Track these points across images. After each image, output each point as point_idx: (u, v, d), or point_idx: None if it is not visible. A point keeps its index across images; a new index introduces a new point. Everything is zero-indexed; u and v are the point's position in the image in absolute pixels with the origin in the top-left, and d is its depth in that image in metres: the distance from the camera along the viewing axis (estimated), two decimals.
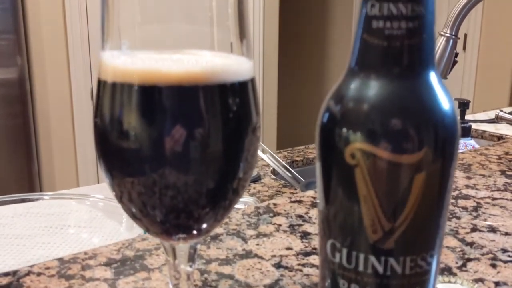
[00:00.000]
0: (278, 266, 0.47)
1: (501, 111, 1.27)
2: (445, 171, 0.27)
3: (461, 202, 0.63)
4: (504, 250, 0.50)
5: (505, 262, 0.48)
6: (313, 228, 0.55)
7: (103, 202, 0.71)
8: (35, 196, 0.73)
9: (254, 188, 0.82)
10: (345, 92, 0.27)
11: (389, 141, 0.25)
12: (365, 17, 0.25)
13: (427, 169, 0.26)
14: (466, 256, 0.49)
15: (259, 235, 0.53)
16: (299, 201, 0.62)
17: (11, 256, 0.62)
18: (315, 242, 0.52)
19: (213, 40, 0.30)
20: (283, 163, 0.89)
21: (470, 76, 2.79)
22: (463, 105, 1.08)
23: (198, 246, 0.33)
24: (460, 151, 0.92)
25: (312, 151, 1.03)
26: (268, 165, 0.91)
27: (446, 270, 0.46)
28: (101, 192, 0.77)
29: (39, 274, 0.44)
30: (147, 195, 0.29)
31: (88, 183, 2.22)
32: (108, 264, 0.46)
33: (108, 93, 0.28)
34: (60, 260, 0.47)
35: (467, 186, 0.69)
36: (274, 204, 0.61)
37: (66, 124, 2.24)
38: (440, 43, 0.96)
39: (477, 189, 0.68)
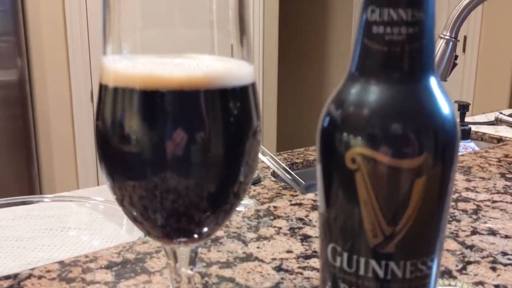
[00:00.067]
0: (278, 269, 0.47)
1: (501, 113, 1.27)
2: (445, 175, 0.27)
3: (461, 205, 0.63)
4: (504, 253, 0.51)
5: (505, 265, 0.48)
6: (313, 231, 0.55)
7: (104, 204, 0.71)
8: (35, 199, 0.73)
9: (254, 190, 0.82)
10: (345, 97, 0.27)
11: (389, 146, 0.25)
12: (365, 23, 0.26)
13: (427, 174, 0.26)
14: (466, 259, 0.49)
15: (259, 238, 0.53)
16: (300, 204, 0.62)
17: (11, 258, 0.62)
18: (316, 245, 0.52)
19: (214, 44, 0.30)
20: (283, 165, 0.89)
21: (469, 78, 2.79)
22: (463, 108, 1.08)
23: (199, 250, 0.33)
24: (459, 153, 0.93)
25: (312, 153, 1.04)
26: (268, 167, 0.91)
27: (446, 273, 0.46)
28: (101, 194, 0.77)
29: (40, 277, 0.44)
30: (148, 199, 0.29)
31: (88, 185, 2.22)
32: (109, 267, 0.46)
33: (110, 97, 0.28)
34: (61, 263, 0.47)
35: (467, 189, 0.70)
36: (275, 207, 0.61)
37: (66, 126, 2.24)
38: (439, 45, 0.96)
39: (477, 191, 0.69)
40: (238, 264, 0.47)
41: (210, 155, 0.28)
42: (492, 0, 0.97)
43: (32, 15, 2.11)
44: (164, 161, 0.27)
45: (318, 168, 0.29)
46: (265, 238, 0.53)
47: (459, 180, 0.73)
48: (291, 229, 0.55)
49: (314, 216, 0.59)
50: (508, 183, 0.72)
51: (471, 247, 0.52)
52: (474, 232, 0.55)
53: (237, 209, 0.33)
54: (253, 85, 0.30)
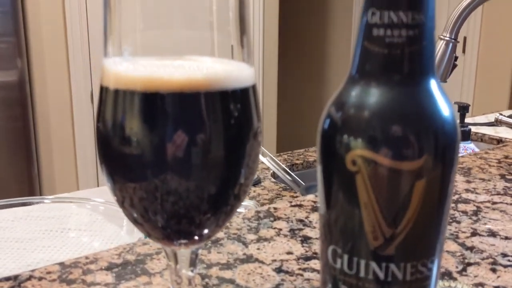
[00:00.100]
0: (279, 270, 0.47)
1: (501, 114, 1.27)
2: (446, 177, 0.27)
3: (461, 206, 0.63)
4: (504, 255, 0.51)
5: (505, 266, 0.48)
6: (313, 233, 0.55)
7: (104, 206, 0.71)
8: (35, 200, 0.73)
9: (254, 191, 0.82)
10: (346, 99, 0.27)
11: (390, 148, 0.25)
12: (366, 25, 0.26)
13: (427, 176, 0.26)
14: (466, 261, 0.49)
15: (259, 240, 0.53)
16: (300, 205, 0.62)
17: (12, 259, 0.62)
18: (316, 246, 0.52)
19: (214, 45, 0.30)
20: (283, 166, 0.89)
21: (469, 79, 2.79)
22: (463, 109, 1.08)
23: (200, 251, 0.33)
24: (459, 154, 0.93)
25: (312, 154, 1.04)
26: (268, 168, 0.91)
27: (446, 275, 0.46)
28: (101, 195, 0.77)
29: (40, 279, 0.44)
30: (149, 201, 0.29)
31: (88, 186, 2.22)
32: (109, 268, 0.46)
33: (111, 99, 0.28)
34: (61, 264, 0.47)
35: (467, 190, 0.70)
36: (275, 208, 0.61)
37: (66, 127, 2.24)
38: (439, 46, 0.97)
39: (477, 193, 0.69)
40: (239, 266, 0.47)
41: (210, 157, 0.28)
42: (491, 1, 0.97)
43: (32, 16, 2.11)
44: (165, 163, 0.28)
45: (319, 169, 0.29)
46: (265, 239, 0.53)
47: (459, 181, 0.73)
48: (291, 230, 0.55)
49: (314, 217, 0.59)
50: (508, 185, 0.72)
51: (471, 249, 0.52)
52: (474, 233, 0.55)
53: (237, 210, 0.33)
54: (253, 87, 0.31)
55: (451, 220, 0.59)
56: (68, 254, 0.63)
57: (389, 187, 0.26)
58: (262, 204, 0.77)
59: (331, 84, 3.45)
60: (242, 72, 0.30)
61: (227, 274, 0.46)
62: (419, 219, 0.26)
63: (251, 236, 0.54)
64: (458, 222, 0.58)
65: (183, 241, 0.31)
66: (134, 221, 0.31)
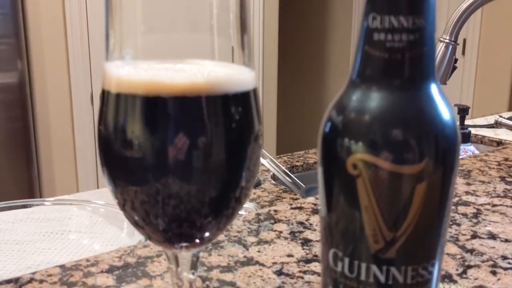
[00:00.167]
0: (279, 273, 0.47)
1: (500, 116, 1.27)
2: (446, 180, 0.27)
3: (461, 209, 0.64)
4: (504, 257, 0.51)
5: (505, 269, 0.48)
6: (314, 235, 0.55)
7: (104, 208, 0.71)
8: (36, 202, 0.74)
9: (254, 193, 0.83)
10: (346, 103, 0.27)
11: (390, 152, 0.25)
12: (367, 30, 0.26)
13: (428, 179, 0.26)
14: (466, 263, 0.49)
15: (260, 242, 0.53)
16: (300, 208, 0.63)
17: (12, 262, 0.62)
18: (316, 249, 0.52)
19: (215, 49, 0.31)
20: (283, 168, 0.89)
21: (469, 81, 2.79)
22: (463, 111, 1.09)
23: (201, 254, 0.33)
24: (459, 157, 0.93)
25: (312, 156, 1.04)
26: (268, 170, 0.91)
27: (447, 277, 0.47)
28: (101, 197, 0.77)
29: (41, 281, 0.45)
30: (150, 204, 0.29)
31: (88, 187, 2.22)
32: (110, 271, 0.46)
33: (113, 103, 0.28)
34: (62, 267, 0.47)
35: (467, 193, 0.70)
36: (275, 211, 0.61)
37: (66, 128, 2.25)
38: (439, 49, 0.97)
39: (477, 195, 0.69)
40: (239, 268, 0.47)
41: (212, 160, 0.28)
42: (491, 3, 0.98)
43: (32, 17, 2.11)
44: (166, 167, 0.28)
45: (320, 173, 0.29)
46: (266, 242, 0.53)
47: (459, 184, 0.73)
48: (292, 233, 0.55)
49: (315, 220, 0.59)
50: (508, 187, 0.72)
51: (471, 251, 0.52)
52: (474, 236, 0.56)
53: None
54: (254, 90, 0.31)
55: (451, 223, 0.59)
56: (69, 256, 0.63)
57: (390, 191, 0.26)
58: (262, 206, 0.77)
59: (330, 86, 3.45)
60: (243, 75, 0.30)
61: (228, 276, 0.46)
62: (419, 223, 0.27)
63: (251, 239, 0.54)
64: (458, 225, 0.59)
65: (184, 244, 0.31)
66: (135, 224, 0.31)
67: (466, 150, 1.05)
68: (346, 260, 0.28)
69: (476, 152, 1.07)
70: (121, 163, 0.29)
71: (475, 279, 0.46)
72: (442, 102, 0.27)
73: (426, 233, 0.27)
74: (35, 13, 2.11)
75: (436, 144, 0.26)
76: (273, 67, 2.74)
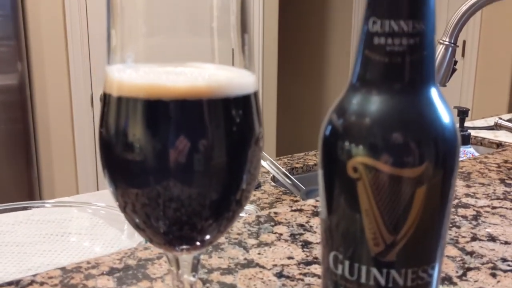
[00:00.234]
0: (279, 275, 0.47)
1: (500, 118, 1.27)
2: (446, 183, 0.27)
3: (461, 211, 0.64)
4: (504, 260, 0.51)
5: (505, 271, 0.48)
6: (314, 237, 0.55)
7: (105, 210, 0.71)
8: (36, 204, 0.74)
9: (254, 195, 0.83)
10: (347, 106, 0.27)
11: (391, 155, 0.26)
12: (367, 34, 0.26)
13: (428, 182, 0.26)
14: (466, 266, 0.49)
15: (260, 244, 0.53)
16: (300, 210, 0.63)
17: (12, 264, 0.62)
18: (316, 251, 0.52)
19: (216, 52, 0.31)
20: (283, 170, 0.89)
21: (469, 83, 2.80)
22: (462, 114, 1.09)
23: (201, 256, 0.33)
24: (459, 158, 0.93)
25: (312, 158, 1.04)
26: (268, 172, 0.91)
27: (447, 280, 0.47)
28: (101, 199, 0.77)
29: (42, 284, 0.45)
30: (151, 207, 0.29)
31: (88, 189, 2.22)
32: (110, 273, 0.46)
33: (114, 106, 0.29)
34: (63, 269, 0.47)
35: (467, 195, 0.70)
36: (275, 213, 0.62)
37: (66, 130, 2.25)
38: (439, 51, 0.97)
39: (476, 197, 0.69)
40: (239, 271, 0.48)
41: (213, 163, 0.28)
42: (491, 5, 0.98)
43: (32, 19, 2.11)
44: (168, 170, 0.28)
45: (320, 175, 0.29)
46: (266, 244, 0.53)
47: (458, 186, 0.73)
48: (292, 235, 0.56)
49: (315, 222, 0.59)
50: (508, 189, 0.73)
51: (471, 253, 0.52)
52: (474, 238, 0.56)
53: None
54: (255, 93, 0.31)
55: (451, 225, 0.59)
56: (69, 258, 0.63)
57: (390, 194, 0.26)
58: (262, 208, 0.77)
59: (330, 88, 3.46)
60: (244, 79, 0.30)
61: (228, 279, 0.46)
62: (420, 226, 0.27)
63: (252, 241, 0.54)
64: (458, 227, 0.59)
65: (185, 247, 0.31)
66: (136, 227, 0.31)
67: (466, 152, 1.05)
68: (347, 263, 0.28)
69: (476, 154, 1.07)
70: (122, 166, 0.29)
71: (475, 281, 0.47)
72: (442, 105, 0.27)
73: (426, 236, 0.28)
74: (35, 15, 2.11)
75: (436, 148, 0.26)
76: (273, 68, 2.74)
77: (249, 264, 0.49)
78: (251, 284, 0.45)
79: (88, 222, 0.71)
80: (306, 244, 0.53)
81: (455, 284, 0.46)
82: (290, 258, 0.50)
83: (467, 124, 1.24)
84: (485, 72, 2.75)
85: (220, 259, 0.50)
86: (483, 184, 0.74)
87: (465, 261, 0.50)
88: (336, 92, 3.33)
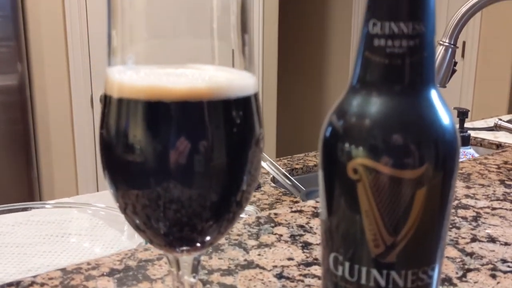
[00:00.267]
0: (279, 276, 0.47)
1: (500, 119, 1.27)
2: (446, 185, 0.27)
3: (461, 212, 0.64)
4: (504, 261, 0.51)
5: (505, 272, 0.48)
6: (314, 239, 0.55)
7: (105, 211, 0.71)
8: (36, 205, 0.74)
9: (254, 196, 0.83)
10: (347, 108, 0.28)
11: (391, 157, 0.26)
12: (367, 36, 0.26)
13: (428, 184, 0.26)
14: (466, 267, 0.49)
15: (260, 245, 0.53)
16: (300, 211, 0.63)
17: (12, 264, 0.62)
18: (316, 252, 0.52)
19: (216, 54, 0.31)
20: (283, 171, 0.89)
21: (468, 84, 2.80)
22: (462, 115, 1.09)
23: (202, 257, 0.33)
24: (459, 159, 0.93)
25: (312, 158, 1.04)
26: (268, 173, 0.91)
27: (447, 281, 0.47)
28: (101, 200, 0.77)
29: (42, 285, 0.45)
30: (152, 208, 0.29)
31: (87, 189, 2.22)
32: (110, 274, 0.46)
33: (115, 108, 0.29)
34: (63, 270, 0.47)
35: (467, 196, 0.70)
36: (275, 214, 0.62)
37: (66, 131, 2.25)
38: (439, 52, 0.97)
39: (476, 198, 0.69)
40: (240, 272, 0.48)
41: (213, 165, 0.28)
42: (490, 6, 0.98)
43: (33, 20, 2.11)
44: (168, 171, 0.28)
45: (320, 177, 0.29)
46: (266, 245, 0.53)
47: (458, 187, 0.73)
48: (292, 236, 0.56)
49: (315, 223, 0.59)
50: (508, 190, 0.73)
51: (471, 255, 0.52)
52: (474, 239, 0.56)
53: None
54: (255, 95, 0.31)
55: (450, 226, 0.59)
56: (69, 259, 0.63)
57: (390, 196, 0.26)
58: (262, 209, 0.77)
59: (330, 89, 3.46)
60: (244, 80, 0.30)
61: (228, 280, 0.46)
62: (420, 227, 0.27)
63: (252, 242, 0.54)
64: (458, 228, 0.59)
65: (185, 248, 0.31)
66: (137, 228, 0.31)
67: (466, 153, 1.05)
68: (347, 264, 0.28)
69: (476, 155, 1.07)
70: (123, 167, 0.29)
71: (475, 282, 0.47)
72: (442, 107, 0.27)
73: (426, 237, 0.28)
74: (35, 16, 2.11)
75: (436, 149, 0.26)
76: (273, 68, 2.74)
77: (249, 265, 0.49)
78: (251, 285, 0.45)
79: (88, 223, 0.71)
80: (306, 245, 0.53)
81: (455, 285, 0.46)
82: (290, 259, 0.50)
83: (467, 125, 1.24)
84: (485, 73, 2.75)
85: (220, 260, 0.50)
86: (483, 185, 0.75)
87: (465, 262, 0.50)
88: (336, 92, 3.33)
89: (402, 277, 0.27)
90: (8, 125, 2.12)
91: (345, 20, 3.30)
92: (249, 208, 0.76)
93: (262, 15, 2.62)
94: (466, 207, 0.66)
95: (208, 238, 0.31)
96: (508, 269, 0.49)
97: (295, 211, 0.63)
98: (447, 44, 0.96)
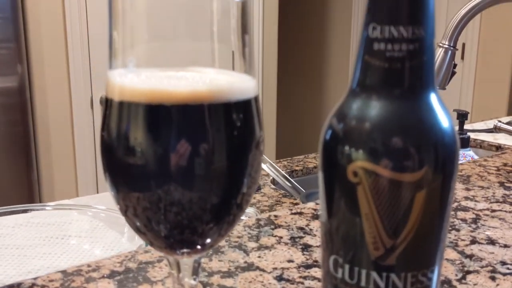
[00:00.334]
0: (279, 278, 0.47)
1: (499, 121, 1.27)
2: (446, 187, 0.27)
3: (460, 214, 0.64)
4: (503, 263, 0.51)
5: (504, 274, 0.49)
6: (314, 241, 0.55)
7: (105, 213, 0.71)
8: (37, 207, 0.74)
9: (254, 198, 0.83)
10: (347, 111, 0.28)
11: (390, 160, 0.26)
12: (367, 40, 0.26)
13: (428, 187, 0.26)
14: (465, 269, 0.49)
15: (260, 248, 0.53)
16: (300, 213, 0.63)
17: (12, 266, 0.62)
18: (316, 254, 0.52)
19: (217, 57, 0.31)
20: (283, 172, 0.89)
21: (468, 86, 2.80)
22: (462, 117, 1.09)
23: (202, 260, 0.33)
24: (459, 162, 0.93)
25: (312, 160, 1.04)
26: (267, 175, 0.91)
27: (446, 283, 0.47)
28: (101, 201, 0.77)
29: (43, 287, 0.45)
30: (152, 210, 0.29)
31: (87, 191, 2.22)
32: (111, 276, 0.47)
33: (116, 111, 0.29)
34: (64, 272, 0.47)
35: (466, 198, 0.70)
36: (275, 216, 0.62)
37: (66, 133, 2.25)
38: (438, 54, 0.97)
39: (476, 201, 0.69)
40: (240, 274, 0.48)
41: (213, 168, 0.29)
42: (490, 8, 0.98)
43: (33, 21, 2.12)
44: (169, 174, 0.28)
45: (320, 179, 0.29)
46: (266, 247, 0.53)
47: (458, 189, 0.74)
48: (292, 238, 0.56)
49: (315, 225, 0.59)
50: (507, 192, 0.73)
51: (470, 257, 0.52)
52: (474, 241, 0.56)
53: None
54: (256, 98, 0.31)
55: (450, 228, 0.59)
56: (69, 261, 0.63)
57: (390, 198, 0.26)
58: (262, 211, 0.77)
59: (330, 91, 3.46)
60: (245, 83, 0.31)
61: (229, 282, 0.46)
62: (419, 230, 0.27)
63: (252, 244, 0.54)
64: (458, 230, 0.59)
65: (185, 250, 0.32)
66: (137, 230, 0.31)
67: (465, 155, 1.05)
68: (347, 267, 0.28)
69: (475, 157, 1.08)
70: (123, 170, 0.29)
71: (474, 284, 0.47)
72: (441, 110, 0.27)
73: (426, 240, 0.28)
74: (35, 17, 2.11)
75: (435, 152, 0.26)
76: (272, 69, 2.74)
77: (249, 267, 0.49)
78: (251, 287, 0.45)
79: (88, 225, 0.71)
80: (306, 247, 0.54)
81: (454, 287, 0.46)
82: (290, 261, 0.50)
83: (466, 127, 1.25)
84: (484, 74, 2.76)
85: (221, 262, 0.50)
86: (482, 187, 0.75)
87: (465, 264, 0.50)
88: (336, 94, 3.33)
89: (402, 279, 0.27)
90: (8, 127, 2.12)
91: (345, 22, 3.30)
92: (249, 210, 0.76)
93: (262, 17, 2.63)
94: (465, 209, 0.66)
95: (208, 240, 0.31)
96: (508, 271, 0.49)
97: (295, 213, 0.63)
98: (446, 46, 0.96)
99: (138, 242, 0.62)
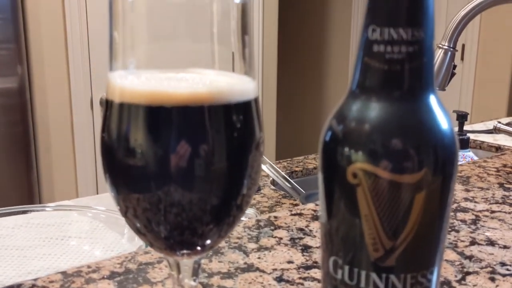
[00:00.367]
0: (279, 279, 0.47)
1: (499, 122, 1.27)
2: (445, 189, 0.28)
3: (460, 215, 0.64)
4: (503, 264, 0.51)
5: (504, 275, 0.49)
6: (313, 241, 0.55)
7: (105, 214, 0.71)
8: (37, 208, 0.74)
9: (254, 199, 0.83)
10: (347, 113, 0.28)
11: (390, 161, 0.26)
12: (366, 42, 0.26)
13: (427, 188, 0.27)
14: (465, 270, 0.50)
15: (260, 249, 0.53)
16: (300, 214, 0.63)
17: (12, 267, 0.62)
18: (316, 255, 0.52)
19: (217, 58, 0.31)
20: (283, 173, 0.89)
21: (468, 87, 2.80)
22: (462, 117, 1.09)
23: (202, 261, 0.33)
24: (458, 163, 0.93)
25: (312, 161, 1.04)
26: (267, 176, 0.91)
27: (446, 284, 0.47)
28: (101, 202, 0.77)
29: None
30: (152, 212, 0.29)
31: (87, 192, 2.22)
32: (111, 277, 0.47)
33: (116, 112, 0.29)
34: (64, 273, 0.47)
35: (466, 199, 0.70)
36: (275, 217, 0.62)
37: (66, 133, 2.25)
38: (438, 55, 0.97)
39: (475, 202, 0.69)
40: (239, 275, 0.48)
41: (214, 169, 0.29)
42: (490, 9, 0.98)
43: (33, 22, 2.12)
44: (169, 175, 0.28)
45: (320, 181, 0.29)
46: (266, 248, 0.53)
47: (457, 190, 0.74)
48: (292, 239, 0.56)
49: (315, 226, 0.59)
50: (507, 193, 0.73)
51: (470, 258, 0.52)
52: (473, 242, 0.56)
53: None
54: (255, 99, 0.31)
55: (450, 229, 0.59)
56: (69, 262, 0.63)
57: (390, 200, 0.26)
58: (262, 212, 0.78)
59: (330, 92, 3.46)
60: (245, 85, 0.31)
61: (228, 283, 0.46)
62: (419, 231, 0.27)
63: (251, 245, 0.54)
64: (457, 231, 0.59)
65: (185, 251, 0.32)
66: (137, 231, 0.31)
67: (465, 156, 1.05)
68: (346, 268, 0.28)
69: (475, 158, 1.08)
70: (124, 171, 0.29)
71: (474, 285, 0.47)
72: (440, 112, 0.27)
73: (425, 241, 0.28)
74: (35, 18, 2.12)
75: (435, 154, 0.26)
76: (272, 70, 2.75)
77: (249, 268, 0.49)
78: None
79: (88, 226, 0.71)
80: (306, 248, 0.54)
81: None
82: (290, 262, 0.51)
83: (466, 128, 1.25)
84: (484, 75, 2.76)
85: (220, 263, 0.50)
86: (482, 188, 0.75)
87: (464, 265, 0.51)
88: (335, 94, 3.33)
89: (401, 280, 0.27)
90: (8, 128, 2.12)
91: (345, 23, 3.30)
92: (249, 211, 0.76)
93: (262, 18, 2.63)
94: (465, 210, 0.66)
95: (208, 241, 0.31)
96: (507, 272, 0.49)
97: (294, 214, 0.63)
98: (446, 47, 0.96)
99: (138, 243, 0.62)
